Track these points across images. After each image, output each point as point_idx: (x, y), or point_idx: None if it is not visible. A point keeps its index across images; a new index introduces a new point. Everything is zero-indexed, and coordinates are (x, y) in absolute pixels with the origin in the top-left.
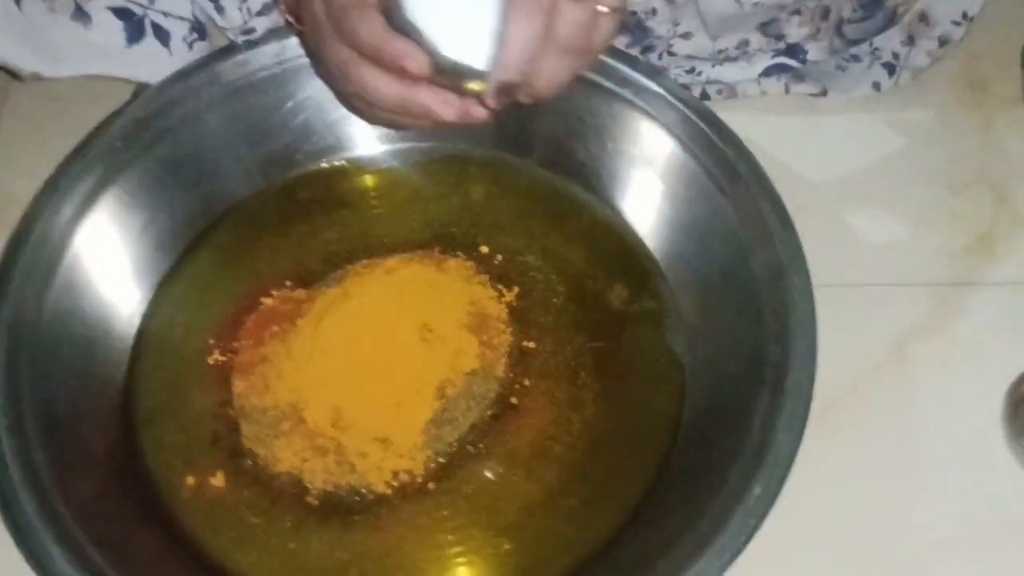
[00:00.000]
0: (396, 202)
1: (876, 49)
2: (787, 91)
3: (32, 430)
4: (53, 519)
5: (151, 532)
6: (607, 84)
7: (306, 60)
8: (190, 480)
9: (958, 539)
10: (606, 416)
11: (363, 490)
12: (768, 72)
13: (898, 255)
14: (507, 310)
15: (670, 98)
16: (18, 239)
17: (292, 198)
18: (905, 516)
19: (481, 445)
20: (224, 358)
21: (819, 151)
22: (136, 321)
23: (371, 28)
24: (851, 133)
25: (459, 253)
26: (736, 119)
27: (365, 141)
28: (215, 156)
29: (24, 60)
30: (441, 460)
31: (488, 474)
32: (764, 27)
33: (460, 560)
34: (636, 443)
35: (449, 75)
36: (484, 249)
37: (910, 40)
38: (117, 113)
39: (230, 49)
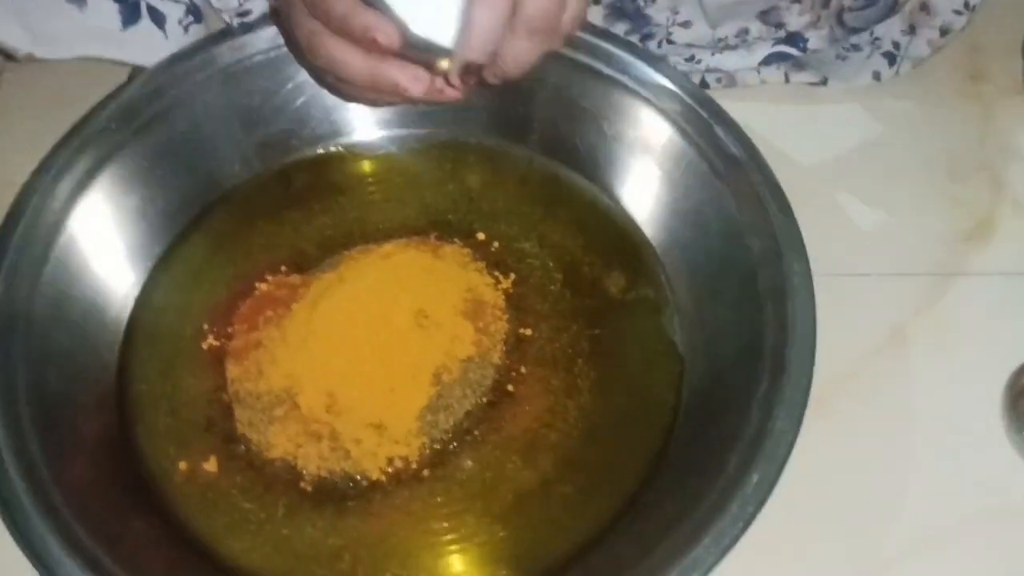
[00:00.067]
0: (393, 188)
1: (877, 38)
2: (787, 80)
3: (24, 415)
4: (45, 503)
5: (144, 517)
6: (606, 70)
7: None
8: (183, 465)
9: (956, 527)
10: (602, 403)
11: (357, 476)
12: (768, 60)
13: (897, 243)
14: (503, 297)
15: (669, 85)
16: (10, 222)
17: (288, 183)
18: (903, 504)
19: (476, 432)
20: (218, 343)
21: (818, 140)
22: (129, 305)
23: (340, 1)
24: (851, 122)
25: (456, 239)
26: (735, 107)
27: (362, 127)
28: (211, 140)
29: (19, 41)
30: (436, 447)
31: (483, 461)
32: (764, 15)
33: (454, 547)
34: (633, 430)
35: (417, 52)
36: (481, 236)
37: (911, 29)
38: (112, 96)
39: (226, 33)
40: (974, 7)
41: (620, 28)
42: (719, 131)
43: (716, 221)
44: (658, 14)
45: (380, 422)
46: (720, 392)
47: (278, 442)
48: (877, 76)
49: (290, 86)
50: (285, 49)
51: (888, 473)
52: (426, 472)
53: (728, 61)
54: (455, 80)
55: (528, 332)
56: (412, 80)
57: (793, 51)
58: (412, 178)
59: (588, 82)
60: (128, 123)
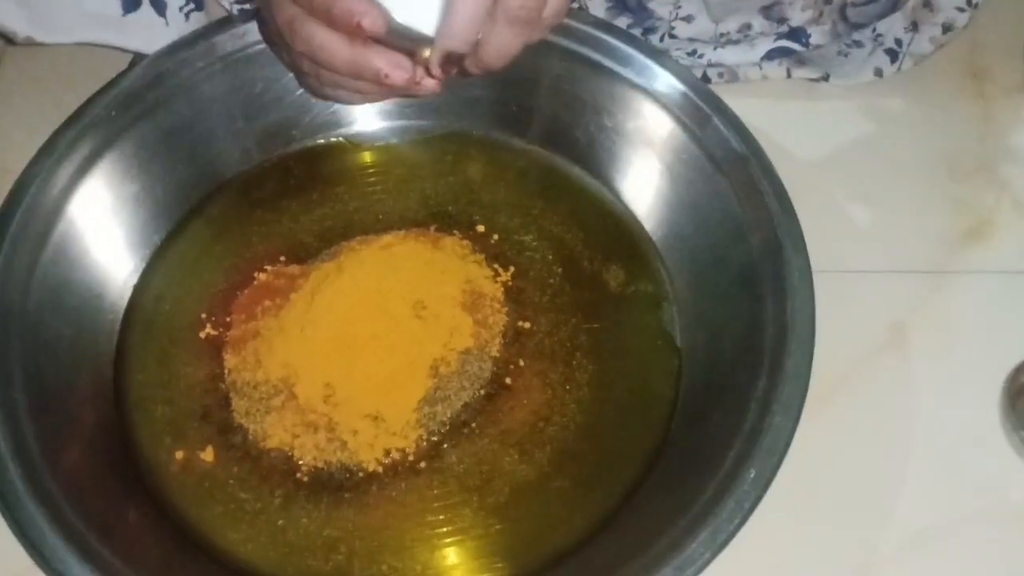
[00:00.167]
0: (393, 179)
1: (879, 35)
2: (788, 76)
3: (21, 402)
4: (41, 491)
5: (139, 506)
6: (607, 63)
7: None
8: (179, 455)
9: (953, 524)
10: (600, 397)
11: (353, 467)
12: (770, 56)
13: (897, 240)
14: (502, 289)
15: (671, 79)
16: (9, 208)
17: (288, 173)
18: (900, 501)
19: (474, 424)
20: (216, 332)
21: (819, 136)
22: (127, 293)
23: None
24: (851, 119)
25: (455, 231)
26: (737, 103)
27: (363, 117)
28: (211, 128)
29: (19, 24)
30: (433, 439)
31: (480, 454)
32: (766, 10)
33: (450, 539)
34: (630, 425)
35: (398, 40)
36: (481, 228)
37: (913, 26)
38: (113, 83)
39: (227, 20)
40: (976, 4)
41: (622, 22)
42: (720, 125)
43: (716, 215)
44: (660, 8)
45: (377, 413)
46: (718, 387)
47: (275, 432)
48: (879, 73)
49: (291, 75)
50: None
51: (886, 470)
52: (423, 464)
53: (730, 56)
54: (436, 70)
55: (527, 325)
56: (394, 67)
57: (795, 46)
58: (412, 169)
59: (589, 75)
60: (128, 110)
